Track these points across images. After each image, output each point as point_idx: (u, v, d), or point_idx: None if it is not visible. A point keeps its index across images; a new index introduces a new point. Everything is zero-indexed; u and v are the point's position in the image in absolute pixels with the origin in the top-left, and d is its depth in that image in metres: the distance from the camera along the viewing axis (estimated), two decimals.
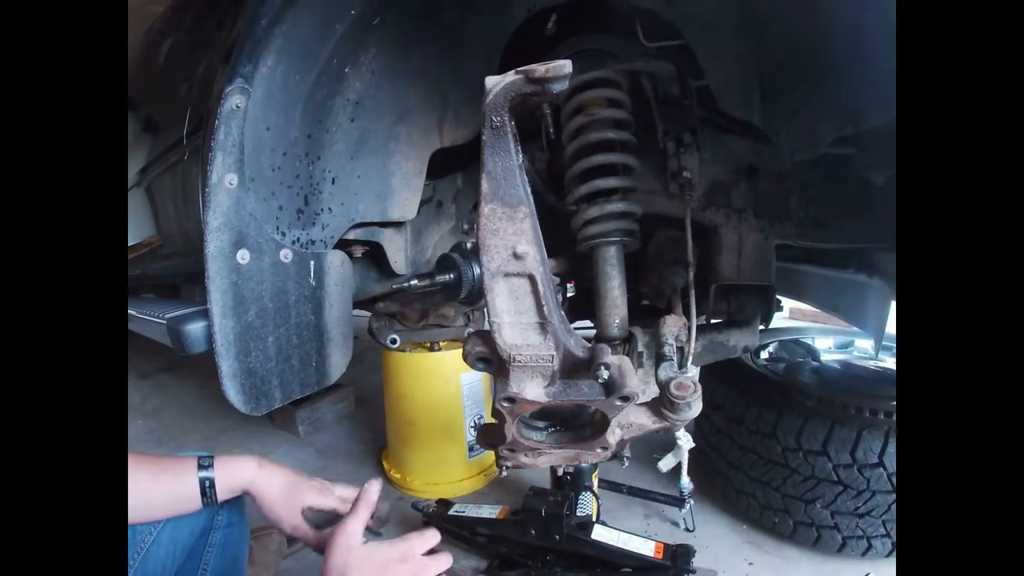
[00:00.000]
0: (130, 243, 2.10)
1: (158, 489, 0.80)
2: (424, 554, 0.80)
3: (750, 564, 1.45)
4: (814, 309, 2.99)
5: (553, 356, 0.65)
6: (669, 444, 1.35)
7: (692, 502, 1.59)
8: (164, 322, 1.03)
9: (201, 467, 0.84)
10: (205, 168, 0.85)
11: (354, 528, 0.77)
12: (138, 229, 2.03)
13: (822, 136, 0.87)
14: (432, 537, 0.81)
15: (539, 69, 0.52)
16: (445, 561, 0.80)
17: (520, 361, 0.65)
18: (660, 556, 1.25)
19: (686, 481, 1.57)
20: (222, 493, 0.84)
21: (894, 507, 1.31)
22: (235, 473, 0.86)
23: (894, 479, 1.28)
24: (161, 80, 1.85)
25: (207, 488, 0.83)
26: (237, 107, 0.83)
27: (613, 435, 0.76)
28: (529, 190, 0.61)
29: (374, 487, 0.84)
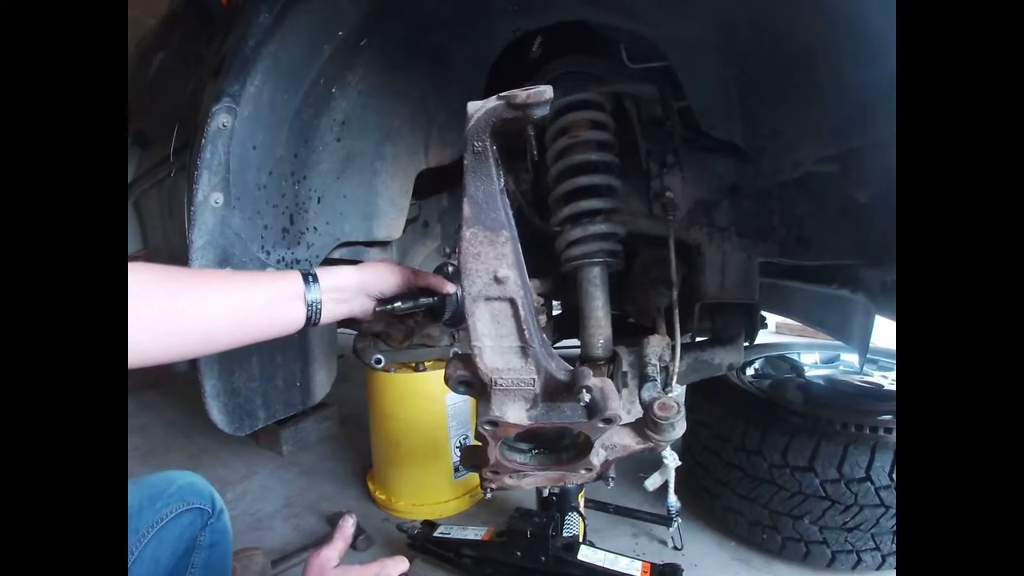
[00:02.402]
0: None
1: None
2: None
3: None
4: (800, 325, 3.03)
5: (535, 379, 0.65)
6: (656, 463, 1.34)
7: (680, 520, 1.59)
8: None
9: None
10: (191, 187, 0.85)
11: (327, 555, 0.79)
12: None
13: (804, 156, 0.88)
14: (403, 563, 0.82)
15: (520, 95, 0.53)
16: None
17: (502, 385, 0.65)
18: None
19: (673, 499, 1.56)
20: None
21: (882, 521, 1.32)
22: None
23: (881, 493, 1.29)
24: (151, 94, 1.85)
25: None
26: (224, 126, 0.84)
27: (597, 456, 0.76)
28: (511, 214, 0.62)
29: (348, 523, 0.87)
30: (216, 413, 0.90)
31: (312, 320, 0.72)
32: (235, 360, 0.91)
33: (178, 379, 3.17)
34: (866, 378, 1.94)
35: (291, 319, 0.71)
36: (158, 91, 1.76)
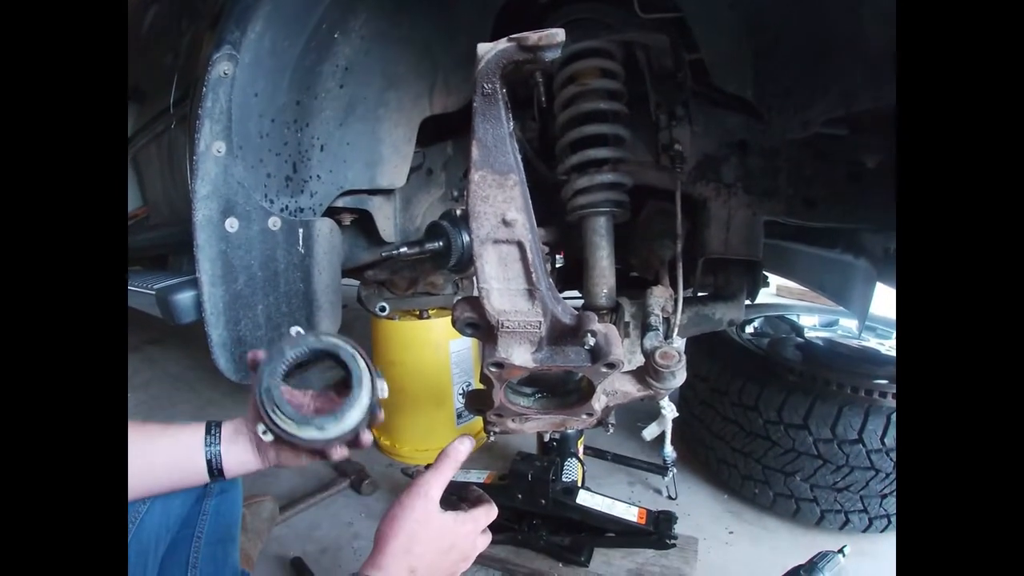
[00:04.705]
0: None
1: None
2: None
3: (730, 533, 1.50)
4: (800, 288, 3.04)
5: (541, 322, 0.66)
6: (653, 413, 1.37)
7: (675, 471, 1.63)
8: (153, 293, 1.03)
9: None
10: (192, 136, 0.84)
11: (436, 492, 0.70)
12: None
13: (814, 115, 0.87)
14: (494, 513, 0.77)
15: (532, 37, 0.52)
16: (487, 540, 0.76)
17: (508, 327, 0.66)
18: (643, 522, 1.29)
19: (669, 450, 1.60)
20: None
21: (872, 484, 1.34)
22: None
23: (872, 456, 1.31)
24: (145, 49, 1.80)
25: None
26: (225, 74, 0.83)
27: (598, 402, 0.78)
28: (519, 158, 0.61)
29: (465, 445, 0.75)
30: (223, 362, 0.91)
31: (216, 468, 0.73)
32: (241, 310, 0.92)
33: (181, 334, 3.20)
34: (864, 343, 1.96)
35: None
36: (152, 45, 1.71)
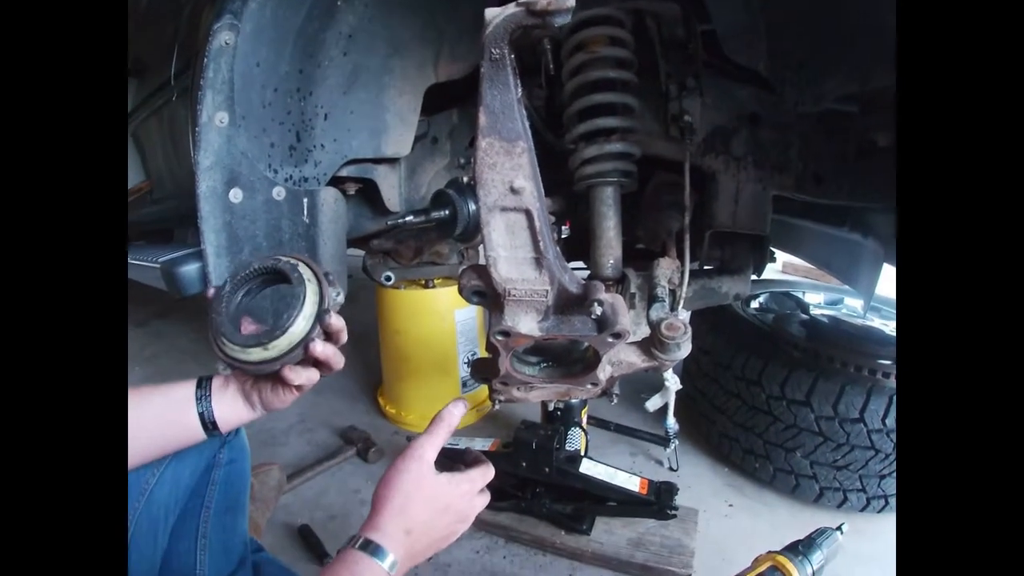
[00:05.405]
0: None
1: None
2: None
3: (730, 506, 1.52)
4: (807, 266, 3.02)
5: (548, 291, 0.66)
6: (657, 385, 1.38)
7: (677, 443, 1.65)
8: (158, 266, 1.03)
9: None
10: (195, 107, 0.83)
11: (430, 455, 0.69)
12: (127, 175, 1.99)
13: (827, 91, 0.86)
14: (491, 473, 0.76)
15: (541, 1, 0.51)
16: (486, 499, 0.76)
17: (515, 295, 0.66)
18: (645, 492, 1.31)
19: (672, 422, 1.62)
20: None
21: (871, 463, 1.35)
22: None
23: (873, 436, 1.32)
24: (145, 22, 1.77)
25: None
26: (226, 44, 0.82)
27: (603, 372, 0.78)
28: (527, 125, 0.60)
29: (459, 409, 0.74)
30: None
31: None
32: None
33: (186, 307, 3.22)
34: (869, 323, 1.95)
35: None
36: (152, 19, 1.69)
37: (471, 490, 0.72)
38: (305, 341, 0.65)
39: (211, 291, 0.69)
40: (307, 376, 0.70)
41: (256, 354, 0.65)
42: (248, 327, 0.69)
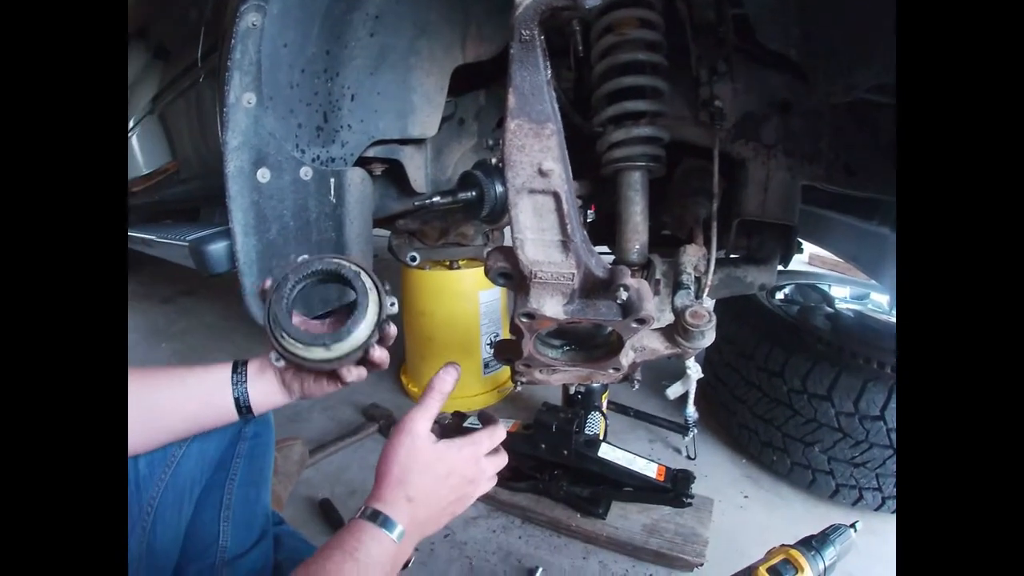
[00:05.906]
0: (146, 171, 2.11)
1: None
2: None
3: (745, 497, 1.51)
4: (834, 259, 2.96)
5: (574, 274, 0.65)
6: (678, 372, 1.37)
7: (696, 431, 1.64)
8: (186, 244, 1.05)
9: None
10: (222, 88, 0.84)
11: (422, 426, 0.69)
12: (153, 156, 2.03)
13: (859, 80, 0.83)
14: (501, 433, 0.75)
15: None
16: (502, 460, 0.75)
17: (541, 278, 0.66)
18: (662, 479, 1.31)
19: (692, 410, 1.61)
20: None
21: (888, 462, 1.33)
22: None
23: (892, 435, 1.30)
24: (169, 4, 1.79)
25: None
26: (253, 25, 0.83)
27: (626, 357, 0.78)
28: (557, 107, 0.60)
29: (451, 375, 0.74)
30: (256, 310, 0.93)
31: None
32: (273, 259, 0.94)
33: (212, 285, 3.30)
34: (893, 319, 1.91)
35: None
36: (177, 2, 1.71)
37: (475, 452, 0.72)
38: (366, 346, 0.69)
39: (268, 282, 0.71)
40: (358, 374, 0.75)
41: (317, 353, 0.68)
42: (312, 328, 0.72)
